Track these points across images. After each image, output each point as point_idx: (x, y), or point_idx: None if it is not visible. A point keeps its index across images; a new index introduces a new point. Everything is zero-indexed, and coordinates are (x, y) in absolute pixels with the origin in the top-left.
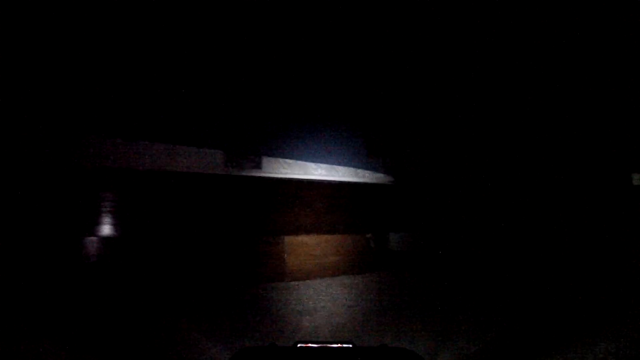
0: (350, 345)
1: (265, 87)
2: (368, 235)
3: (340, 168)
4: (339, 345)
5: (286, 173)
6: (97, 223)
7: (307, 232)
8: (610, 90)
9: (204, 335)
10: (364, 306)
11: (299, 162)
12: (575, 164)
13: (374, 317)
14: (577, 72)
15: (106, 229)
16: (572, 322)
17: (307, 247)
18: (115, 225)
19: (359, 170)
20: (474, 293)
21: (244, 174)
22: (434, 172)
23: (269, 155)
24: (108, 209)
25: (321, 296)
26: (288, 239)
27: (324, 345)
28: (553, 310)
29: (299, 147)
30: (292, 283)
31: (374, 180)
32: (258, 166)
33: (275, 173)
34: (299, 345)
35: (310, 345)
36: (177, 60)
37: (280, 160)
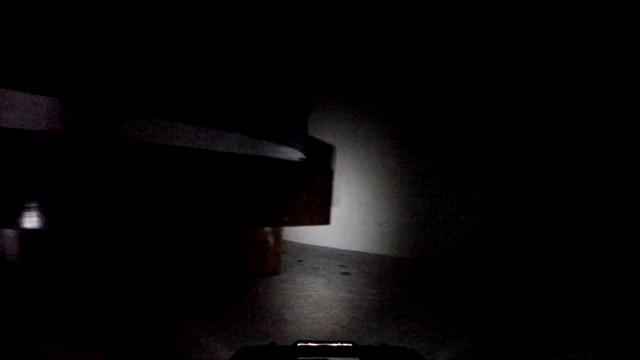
0: (351, 345)
1: None
2: (266, 229)
3: (225, 135)
4: (339, 344)
5: (147, 137)
6: None
7: (183, 224)
8: None
9: None
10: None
11: (161, 121)
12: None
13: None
14: None
15: None
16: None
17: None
18: None
19: (256, 141)
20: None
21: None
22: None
23: (132, 112)
24: None
25: (204, 314)
26: None
27: (324, 344)
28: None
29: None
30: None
31: (275, 155)
32: (116, 128)
33: (134, 137)
34: (299, 344)
35: (310, 344)
36: None
37: (148, 121)
